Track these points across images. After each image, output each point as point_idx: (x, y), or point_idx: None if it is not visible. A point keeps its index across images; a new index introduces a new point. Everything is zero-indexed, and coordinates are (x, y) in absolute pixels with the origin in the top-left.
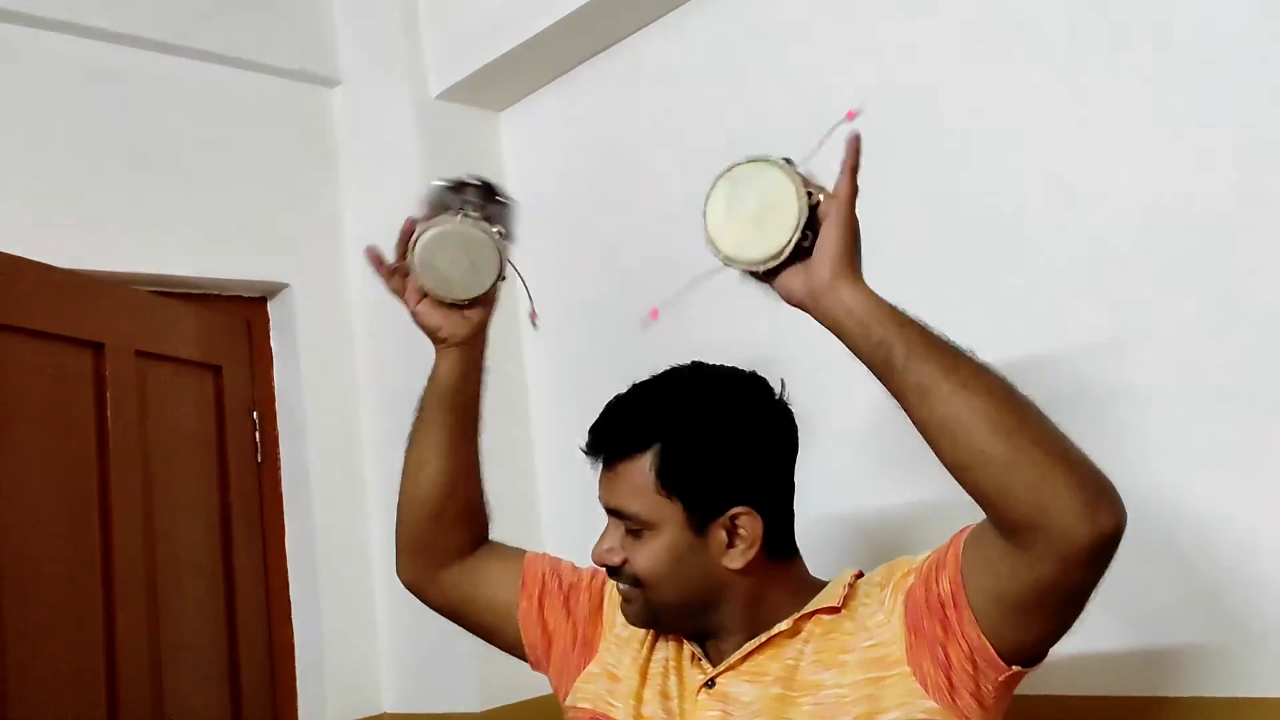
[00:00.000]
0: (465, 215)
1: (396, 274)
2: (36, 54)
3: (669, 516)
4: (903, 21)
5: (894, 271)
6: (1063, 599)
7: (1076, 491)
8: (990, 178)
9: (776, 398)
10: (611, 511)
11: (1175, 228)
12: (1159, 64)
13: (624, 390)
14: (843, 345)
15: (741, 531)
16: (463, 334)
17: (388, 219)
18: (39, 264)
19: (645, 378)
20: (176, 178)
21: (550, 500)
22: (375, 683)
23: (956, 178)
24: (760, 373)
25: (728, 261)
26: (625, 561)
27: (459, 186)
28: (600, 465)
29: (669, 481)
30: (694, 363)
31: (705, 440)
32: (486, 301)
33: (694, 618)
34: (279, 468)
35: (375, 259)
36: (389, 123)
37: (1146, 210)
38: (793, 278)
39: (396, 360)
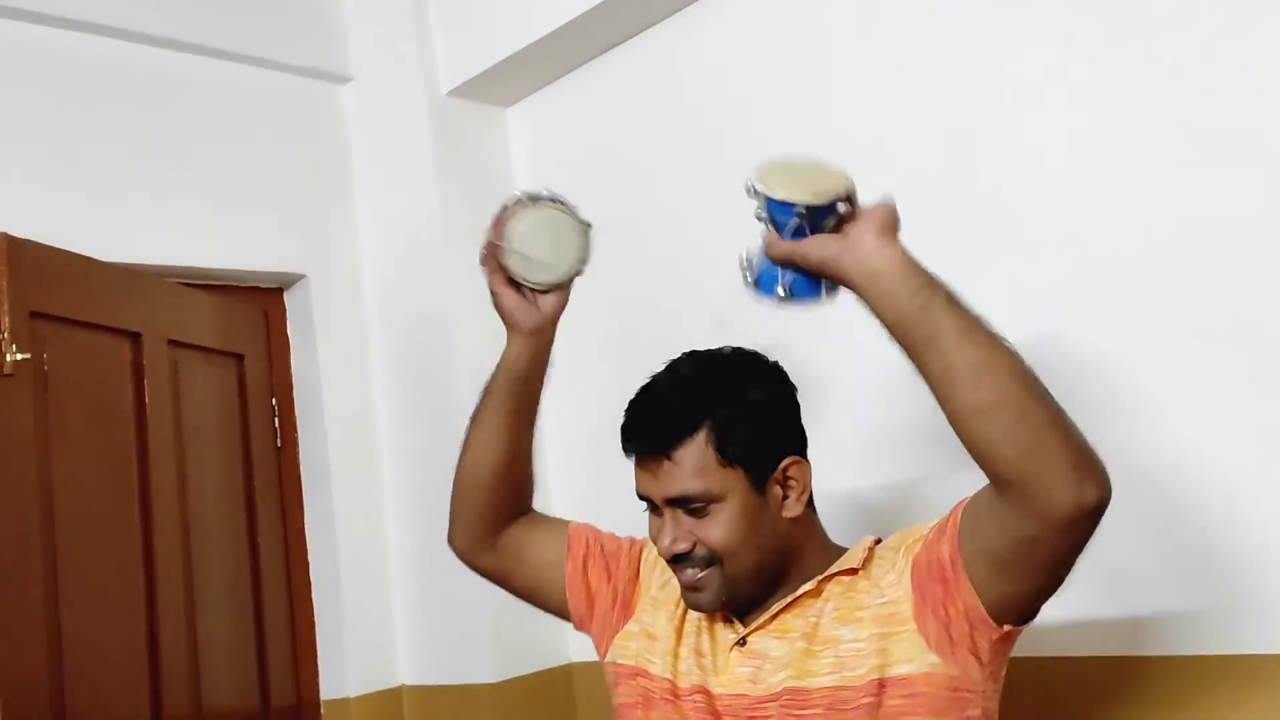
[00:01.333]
0: (557, 203)
1: (491, 253)
2: (67, 56)
3: (733, 484)
4: (906, 21)
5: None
6: (1045, 557)
7: (1069, 456)
8: (996, 168)
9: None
10: (671, 501)
11: (1163, 212)
12: (1161, 62)
13: (640, 390)
14: (868, 304)
15: (793, 481)
16: (533, 322)
17: (399, 211)
18: (83, 257)
19: (653, 375)
20: (195, 172)
21: (560, 495)
22: (393, 656)
23: (965, 168)
24: (770, 353)
25: (768, 191)
26: (695, 544)
27: (537, 199)
28: (642, 461)
29: (729, 451)
30: (687, 352)
31: (750, 405)
32: (560, 293)
33: (768, 581)
34: (298, 452)
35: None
36: (400, 118)
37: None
38: (826, 238)
39: (409, 347)
